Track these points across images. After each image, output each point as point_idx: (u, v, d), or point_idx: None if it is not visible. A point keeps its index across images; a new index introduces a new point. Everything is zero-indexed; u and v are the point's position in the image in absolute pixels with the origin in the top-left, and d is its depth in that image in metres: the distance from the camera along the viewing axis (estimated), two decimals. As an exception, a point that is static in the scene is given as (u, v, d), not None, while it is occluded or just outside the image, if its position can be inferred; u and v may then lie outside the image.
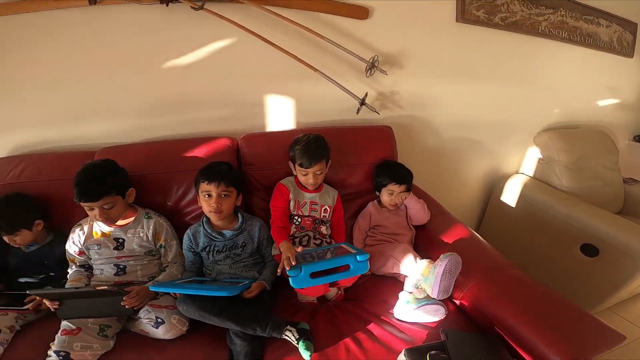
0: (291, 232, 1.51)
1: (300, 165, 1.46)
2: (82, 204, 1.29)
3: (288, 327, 1.15)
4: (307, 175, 1.47)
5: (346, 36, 1.63)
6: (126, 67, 1.57)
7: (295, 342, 1.11)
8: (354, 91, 1.66)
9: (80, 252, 1.42)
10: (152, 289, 1.25)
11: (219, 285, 1.34)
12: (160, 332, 1.20)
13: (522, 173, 2.22)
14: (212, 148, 1.58)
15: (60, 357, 1.09)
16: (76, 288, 1.33)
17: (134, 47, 1.54)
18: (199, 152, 1.56)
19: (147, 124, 1.66)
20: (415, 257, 1.31)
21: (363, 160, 1.70)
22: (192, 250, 1.45)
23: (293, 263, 1.19)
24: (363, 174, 1.69)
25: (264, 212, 1.57)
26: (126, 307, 1.20)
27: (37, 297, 1.25)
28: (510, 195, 2.13)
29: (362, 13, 1.59)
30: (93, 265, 1.43)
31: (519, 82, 1.95)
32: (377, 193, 1.62)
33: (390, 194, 1.55)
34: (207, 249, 1.42)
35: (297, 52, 1.55)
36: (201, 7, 1.46)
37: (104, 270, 1.40)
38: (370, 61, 1.65)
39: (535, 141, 2.15)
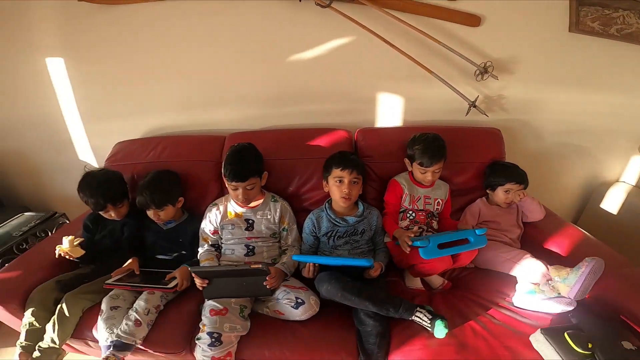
0: (404, 227, 1.55)
1: (420, 164, 1.48)
2: (232, 183, 1.37)
3: (418, 308, 1.16)
4: (426, 174, 1.49)
5: (457, 41, 1.66)
6: (255, 59, 1.68)
7: (429, 322, 1.12)
8: (453, 96, 1.71)
9: (215, 231, 1.49)
10: (295, 258, 1.31)
11: (346, 257, 1.37)
12: (299, 313, 1.23)
13: (624, 182, 2.13)
14: (332, 139, 1.65)
15: (214, 339, 1.13)
16: (234, 265, 1.39)
17: (263, 40, 1.65)
18: (321, 141, 1.64)
19: (269, 113, 1.78)
20: (536, 260, 1.33)
21: (472, 159, 1.70)
22: (314, 234, 1.48)
23: (409, 242, 1.26)
24: (472, 172, 1.69)
25: (375, 202, 1.62)
26: (267, 287, 1.24)
27: (178, 277, 1.33)
28: (611, 203, 2.05)
29: (474, 21, 1.62)
30: (223, 245, 1.50)
31: (628, 91, 1.91)
32: (487, 191, 1.63)
33: (506, 192, 1.55)
34: (328, 234, 1.46)
35: (409, 54, 1.61)
36: (328, 5, 1.54)
37: (235, 250, 1.47)
38: (483, 66, 1.67)
39: (640, 150, 2.07)
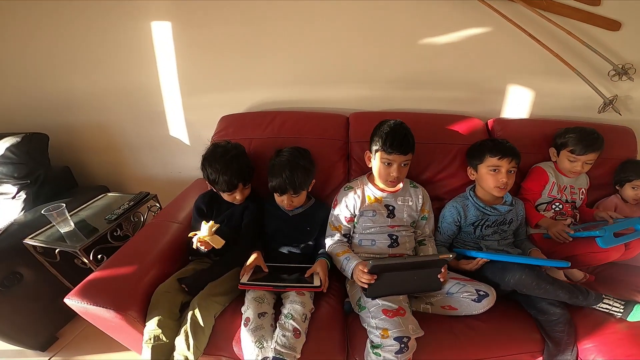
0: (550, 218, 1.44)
1: (572, 152, 1.38)
2: (390, 155, 1.21)
3: (604, 297, 1.13)
4: (575, 163, 1.39)
5: (594, 42, 1.58)
6: (386, 38, 1.53)
7: (621, 307, 1.11)
8: (586, 94, 1.63)
9: (350, 219, 1.32)
10: (474, 254, 1.14)
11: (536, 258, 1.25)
12: (481, 306, 1.10)
13: None
14: (467, 127, 1.52)
15: (403, 344, 0.96)
16: (407, 256, 1.23)
17: (397, 19, 1.50)
18: (457, 128, 1.50)
19: (391, 95, 1.63)
20: None
21: (606, 155, 1.57)
22: (457, 223, 1.34)
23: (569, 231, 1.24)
24: (605, 168, 1.57)
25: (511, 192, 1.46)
26: (441, 280, 1.09)
27: (320, 273, 1.18)
28: None
29: (614, 26, 1.57)
30: (356, 236, 1.32)
31: None
32: (616, 187, 1.56)
33: (634, 188, 1.49)
34: (476, 223, 1.32)
35: (540, 52, 1.52)
36: None
37: (376, 240, 1.30)
38: (621, 67, 1.59)
39: None
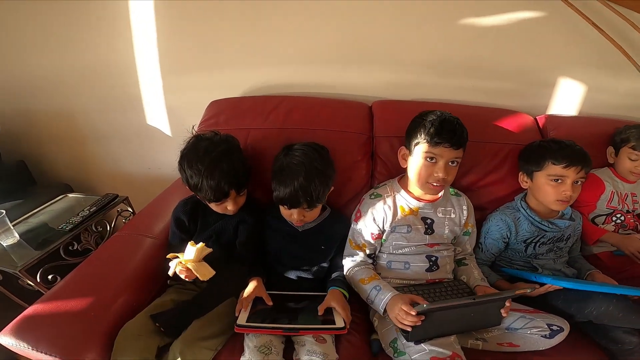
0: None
1: (634, 148, 1.15)
2: (436, 148, 0.93)
3: None
4: (639, 161, 1.16)
5: None
6: (420, 13, 1.23)
7: None
8: None
9: (378, 236, 1.03)
10: (555, 282, 0.89)
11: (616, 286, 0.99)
12: (552, 342, 0.88)
13: None
14: (517, 124, 1.24)
15: None
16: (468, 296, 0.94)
17: None
18: (505, 125, 1.22)
19: (426, 82, 1.33)
20: None
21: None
22: (506, 240, 1.10)
23: None
24: None
25: None
26: (503, 315, 0.84)
27: (339, 309, 0.90)
28: None
29: None
30: (389, 257, 1.04)
31: None
32: None
33: None
34: (529, 240, 1.08)
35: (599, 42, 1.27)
36: None
37: (411, 263, 1.01)
38: None
39: None
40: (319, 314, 0.90)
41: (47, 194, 1.36)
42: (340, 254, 1.05)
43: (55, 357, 0.74)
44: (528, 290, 0.83)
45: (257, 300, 0.90)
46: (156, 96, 1.40)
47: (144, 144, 1.50)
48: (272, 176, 0.97)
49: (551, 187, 1.03)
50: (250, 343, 0.81)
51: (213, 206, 0.98)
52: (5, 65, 1.43)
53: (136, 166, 1.56)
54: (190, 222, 1.03)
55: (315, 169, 0.92)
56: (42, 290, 1.04)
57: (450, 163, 0.95)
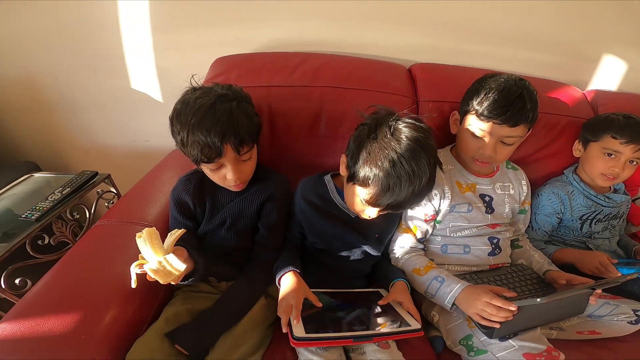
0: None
1: None
2: (494, 120, 0.75)
3: None
4: None
5: None
6: None
7: None
8: None
9: (432, 217, 0.84)
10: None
11: None
12: (635, 328, 0.76)
13: None
14: (569, 97, 1.09)
15: None
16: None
17: None
18: (557, 95, 1.07)
19: (465, 48, 1.14)
20: None
21: None
22: (559, 216, 0.97)
23: None
24: None
25: None
26: (591, 302, 0.72)
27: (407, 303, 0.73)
28: None
29: None
30: (444, 239, 0.86)
31: None
32: None
33: None
34: (585, 217, 0.97)
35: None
36: None
37: (471, 246, 0.84)
38: None
39: None
40: (377, 311, 0.71)
41: (7, 175, 1.03)
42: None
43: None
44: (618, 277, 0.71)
45: (304, 303, 0.67)
46: (144, 55, 1.11)
47: (127, 112, 1.20)
48: (363, 158, 0.65)
49: (602, 160, 0.93)
50: (315, 358, 0.60)
51: (210, 174, 0.72)
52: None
53: (118, 139, 1.25)
54: (197, 206, 0.78)
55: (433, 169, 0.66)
56: (9, 299, 0.77)
57: (501, 142, 0.77)
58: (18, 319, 0.58)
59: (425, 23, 1.09)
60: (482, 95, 0.76)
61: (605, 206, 0.97)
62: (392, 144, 0.62)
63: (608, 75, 1.32)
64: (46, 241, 0.86)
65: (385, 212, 0.69)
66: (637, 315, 0.75)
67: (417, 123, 0.65)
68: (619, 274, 0.81)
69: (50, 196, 0.90)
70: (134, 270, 0.56)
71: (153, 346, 0.60)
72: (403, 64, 1.08)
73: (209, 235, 0.79)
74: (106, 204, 1.07)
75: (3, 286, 0.76)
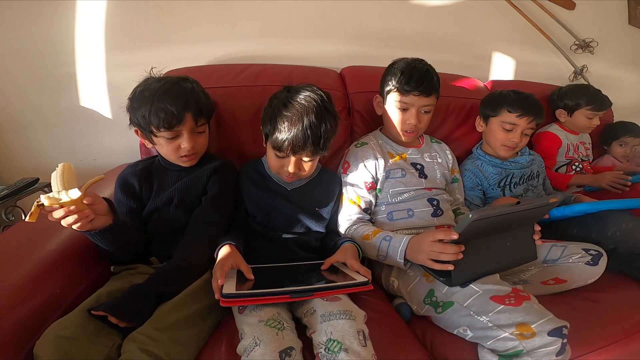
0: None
1: (592, 110, 1.24)
2: (411, 94, 0.85)
3: None
4: (594, 119, 1.26)
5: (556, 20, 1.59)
6: None
7: None
8: (555, 64, 1.64)
9: (372, 185, 0.88)
10: (566, 212, 0.84)
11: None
12: (598, 270, 0.77)
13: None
14: (470, 84, 1.28)
15: (564, 339, 0.56)
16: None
17: None
18: (461, 84, 1.24)
19: (385, 54, 1.20)
20: None
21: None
22: (480, 187, 1.05)
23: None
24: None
25: None
26: (536, 241, 0.72)
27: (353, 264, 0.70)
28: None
29: (570, 5, 1.63)
30: (387, 207, 0.88)
31: None
32: (605, 147, 1.51)
33: (621, 145, 1.45)
34: (502, 183, 1.04)
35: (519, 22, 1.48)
36: None
37: (414, 209, 0.87)
38: (584, 41, 1.61)
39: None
40: (322, 269, 0.69)
41: None
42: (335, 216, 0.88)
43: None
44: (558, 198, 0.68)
45: (237, 275, 0.64)
46: (95, 73, 1.12)
47: (74, 130, 1.16)
48: (268, 117, 0.75)
49: (502, 132, 1.03)
50: (250, 319, 0.56)
51: (163, 144, 0.73)
52: None
53: (65, 156, 1.18)
54: (143, 186, 0.76)
55: (327, 110, 0.74)
56: None
57: (422, 111, 0.88)
58: None
59: (350, 35, 1.25)
60: (399, 75, 0.86)
61: (514, 169, 1.06)
62: (284, 95, 0.73)
63: (500, 70, 1.56)
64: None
65: (301, 154, 0.73)
66: (590, 254, 0.77)
67: (311, 86, 0.76)
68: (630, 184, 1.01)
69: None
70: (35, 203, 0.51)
71: (75, 324, 0.51)
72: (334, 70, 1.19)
73: (156, 215, 0.75)
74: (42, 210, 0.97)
75: None
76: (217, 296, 0.57)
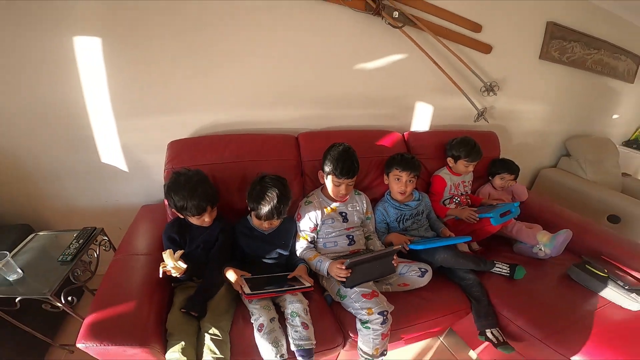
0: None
1: (467, 161, 2.19)
2: (341, 179, 1.73)
3: (495, 262, 1.87)
4: (469, 167, 2.21)
5: (472, 63, 2.41)
6: (327, 62, 2.04)
7: (508, 269, 1.85)
8: (465, 105, 2.53)
9: (314, 228, 1.79)
10: (413, 247, 1.78)
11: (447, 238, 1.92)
12: (425, 280, 1.72)
13: (554, 167, 3.38)
14: (391, 140, 2.16)
15: (384, 317, 1.48)
16: (372, 251, 1.77)
17: (335, 46, 2.02)
18: (383, 142, 2.13)
19: (334, 114, 2.18)
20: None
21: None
22: (385, 222, 1.99)
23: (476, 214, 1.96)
24: (480, 164, 2.41)
25: (422, 188, 2.28)
26: (395, 265, 1.66)
27: (304, 275, 1.64)
28: (548, 182, 3.26)
29: (487, 49, 2.43)
30: (323, 240, 1.81)
31: (567, 105, 3.18)
32: (489, 178, 2.45)
33: (502, 179, 2.38)
34: (398, 219, 1.98)
35: (438, 73, 2.31)
36: (400, 27, 2.06)
37: (337, 242, 1.81)
38: (489, 84, 2.48)
39: (566, 144, 3.32)
40: (289, 277, 1.60)
41: (9, 234, 1.69)
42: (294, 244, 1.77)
43: (134, 346, 1.18)
44: (400, 246, 1.70)
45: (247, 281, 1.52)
46: (110, 137, 1.80)
47: (98, 180, 1.88)
48: (252, 198, 1.57)
49: (395, 183, 1.94)
50: (255, 305, 1.44)
51: (194, 220, 1.56)
52: None
53: (92, 200, 1.94)
54: (181, 238, 1.60)
55: (285, 196, 1.58)
56: (67, 310, 1.52)
57: (349, 184, 1.75)
58: (97, 311, 1.26)
59: (306, 100, 2.05)
60: (334, 165, 1.70)
61: (406, 210, 1.95)
62: (259, 187, 1.58)
63: (422, 117, 2.40)
64: (79, 273, 1.64)
65: (272, 220, 1.59)
66: (421, 270, 1.67)
67: (276, 179, 1.60)
68: (478, 219, 1.94)
69: (71, 245, 1.68)
70: (160, 269, 1.35)
71: (178, 315, 1.39)
72: (294, 131, 2.00)
73: (190, 255, 1.62)
74: (104, 249, 1.79)
75: (63, 301, 1.55)
76: (243, 295, 1.46)
